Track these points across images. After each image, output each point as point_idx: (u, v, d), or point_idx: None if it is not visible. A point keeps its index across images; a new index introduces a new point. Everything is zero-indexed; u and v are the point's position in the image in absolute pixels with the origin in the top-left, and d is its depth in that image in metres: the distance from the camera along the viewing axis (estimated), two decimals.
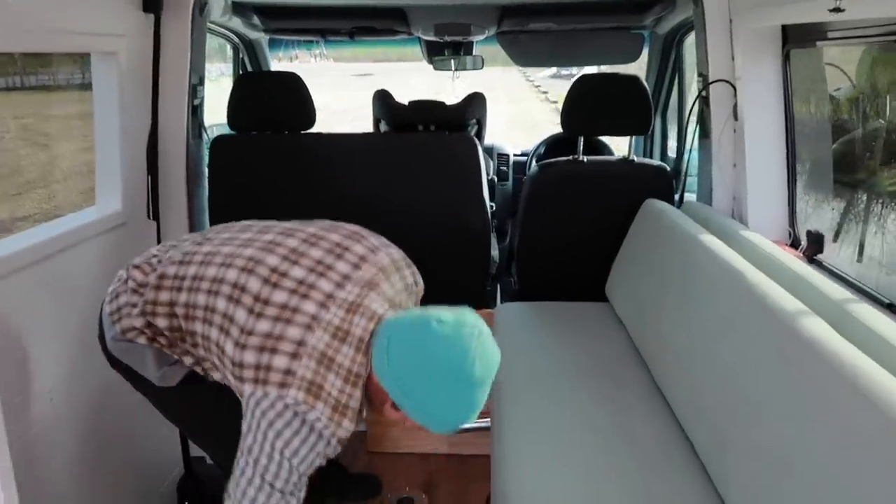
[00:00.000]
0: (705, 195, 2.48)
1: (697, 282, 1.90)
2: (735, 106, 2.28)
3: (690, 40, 3.09)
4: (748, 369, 1.48)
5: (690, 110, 2.45)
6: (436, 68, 3.65)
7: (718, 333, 1.67)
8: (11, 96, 11.73)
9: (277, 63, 5.27)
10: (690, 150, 2.49)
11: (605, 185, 2.53)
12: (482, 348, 1.35)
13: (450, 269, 2.60)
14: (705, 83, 2.36)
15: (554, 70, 20.80)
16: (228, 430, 1.46)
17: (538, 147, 3.59)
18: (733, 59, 2.29)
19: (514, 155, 3.76)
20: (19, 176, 10.12)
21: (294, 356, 1.36)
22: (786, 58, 2.14)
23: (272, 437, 1.35)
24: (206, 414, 1.70)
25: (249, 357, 1.38)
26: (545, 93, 19.26)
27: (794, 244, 2.18)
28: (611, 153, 3.46)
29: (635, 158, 2.53)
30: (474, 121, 2.80)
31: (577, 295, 2.57)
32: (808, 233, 2.04)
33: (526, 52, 3.28)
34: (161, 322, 1.55)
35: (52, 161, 10.43)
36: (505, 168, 3.64)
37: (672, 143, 3.48)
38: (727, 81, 2.28)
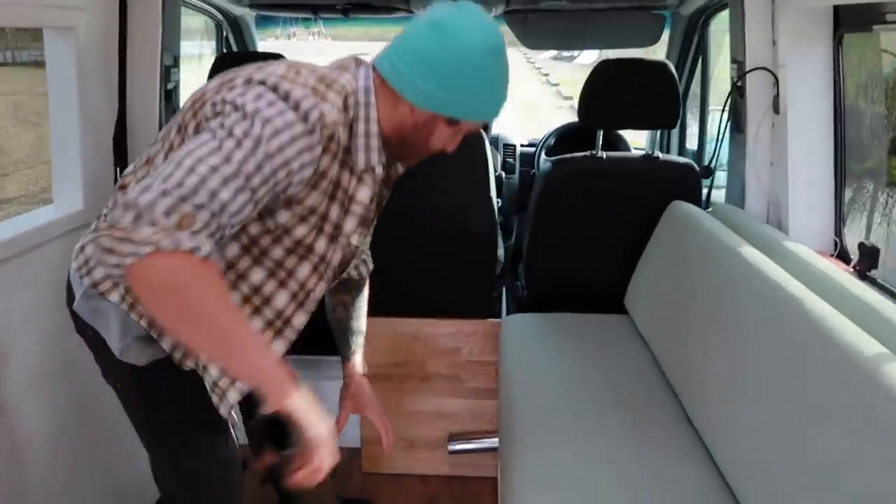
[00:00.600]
0: (736, 197, 2.23)
1: (737, 299, 1.66)
2: (776, 97, 2.02)
3: (718, 23, 2.83)
4: (813, 414, 1.23)
5: (726, 103, 2.19)
6: None
7: (767, 363, 1.43)
8: (2, 72, 11.40)
9: (274, 41, 4.97)
10: (719, 146, 2.23)
11: (626, 184, 2.28)
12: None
13: (453, 274, 2.36)
14: (741, 71, 2.10)
15: (555, 52, 20.41)
16: (188, 443, 1.33)
17: (547, 137, 3.33)
18: (774, 44, 2.03)
19: (522, 146, 3.50)
20: (7, 156, 9.82)
21: None
22: (838, 43, 1.88)
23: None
24: (166, 411, 1.37)
25: None
26: (546, 75, 18.91)
27: (842, 256, 1.94)
28: (627, 148, 3.21)
29: (659, 155, 2.28)
30: None
31: (592, 306, 2.32)
32: (861, 245, 1.79)
33: (534, 33, 3.00)
34: None
35: (41, 140, 10.13)
36: (511, 160, 3.38)
37: (692, 137, 3.22)
38: (767, 70, 2.02)
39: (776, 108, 2.02)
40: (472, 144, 2.18)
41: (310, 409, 1.12)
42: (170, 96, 2.24)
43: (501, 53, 1.21)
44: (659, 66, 2.17)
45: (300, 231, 1.23)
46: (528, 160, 3.42)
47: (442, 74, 1.17)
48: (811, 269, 1.61)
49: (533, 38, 3.05)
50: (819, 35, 1.88)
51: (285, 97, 1.11)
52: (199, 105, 1.19)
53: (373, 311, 1.67)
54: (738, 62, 2.14)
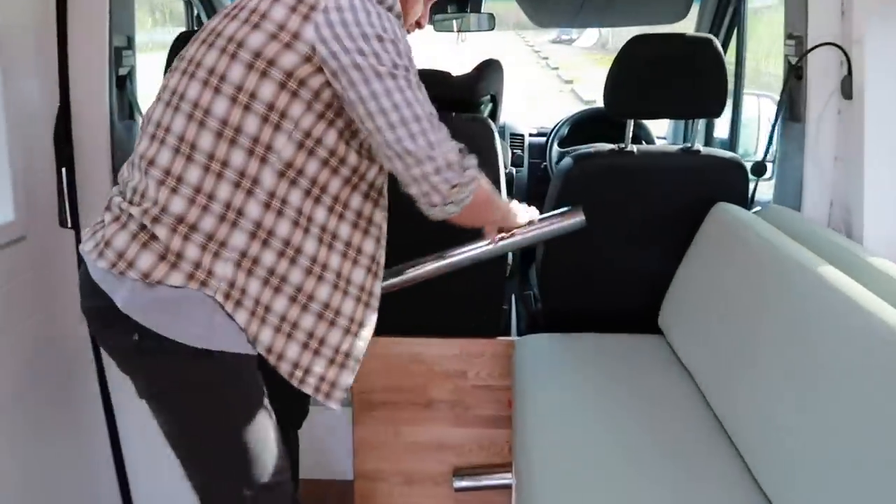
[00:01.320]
0: (788, 197, 1.90)
1: (808, 322, 1.35)
2: (846, 79, 1.68)
3: None
4: None
5: (786, 86, 1.85)
6: (436, 29, 3.03)
7: (850, 402, 1.12)
8: None
9: None
10: (773, 137, 1.90)
11: (662, 183, 1.94)
12: None
13: (456, 289, 2.02)
14: (800, 49, 1.77)
15: (554, 34, 20.00)
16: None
17: (559, 126, 2.97)
18: (844, 14, 1.69)
19: (530, 135, 3.14)
20: None
21: None
22: None
23: None
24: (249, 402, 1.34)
25: None
26: (546, 59, 18.51)
27: None
28: (650, 138, 2.85)
29: (700, 147, 1.94)
30: (488, 97, 2.19)
31: (620, 325, 2.00)
32: None
33: (547, 9, 2.66)
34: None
35: None
36: (519, 151, 3.03)
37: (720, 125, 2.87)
38: (836, 46, 1.68)
39: (846, 93, 1.69)
40: (480, 137, 1.85)
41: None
42: (123, 83, 1.90)
43: None
44: (703, 43, 1.82)
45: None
46: (538, 151, 3.07)
47: None
48: None
49: (545, 15, 2.71)
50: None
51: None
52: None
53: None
54: (795, 37, 1.80)
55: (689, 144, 1.94)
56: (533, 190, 3.00)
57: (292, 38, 1.20)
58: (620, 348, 1.95)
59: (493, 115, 2.23)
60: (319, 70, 1.21)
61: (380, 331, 1.90)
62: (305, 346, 1.32)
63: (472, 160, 1.27)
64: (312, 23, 1.19)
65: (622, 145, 1.94)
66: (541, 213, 2.42)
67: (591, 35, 19.05)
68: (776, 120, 1.93)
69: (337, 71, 1.19)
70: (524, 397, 1.81)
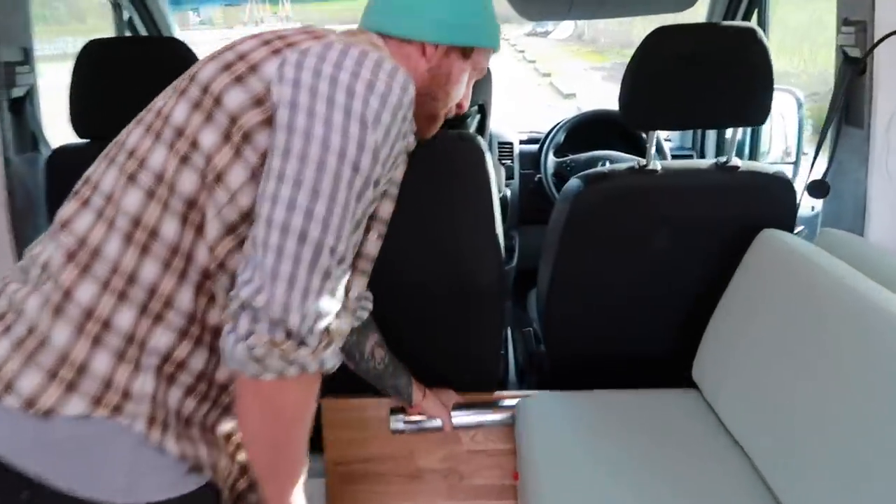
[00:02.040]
0: (846, 218, 1.57)
1: (891, 382, 1.04)
2: None
3: None
4: None
5: (841, 83, 1.51)
6: None
7: None
8: None
9: (242, 28, 4.21)
10: (834, 146, 1.56)
11: (693, 206, 1.59)
12: None
13: (446, 341, 1.67)
14: (864, 38, 1.42)
15: (530, 27, 19.68)
16: None
17: (554, 132, 2.60)
18: None
19: (521, 142, 2.77)
20: None
21: None
22: None
23: None
24: None
25: None
26: (522, 52, 18.18)
27: None
28: (661, 147, 2.48)
29: (738, 162, 1.59)
30: (475, 108, 1.83)
31: (644, 377, 1.65)
32: None
33: (538, 0, 2.30)
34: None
35: None
36: (509, 162, 2.66)
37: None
38: None
39: None
40: (470, 160, 1.48)
41: None
42: (20, 107, 1.52)
43: None
44: (745, 34, 1.47)
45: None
46: (530, 161, 2.70)
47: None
48: None
49: (535, 8, 2.34)
50: None
51: None
52: None
53: (342, 389, 1.41)
54: (855, 23, 1.46)
55: (724, 158, 1.58)
56: (526, 206, 2.63)
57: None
58: (647, 407, 1.60)
59: (482, 127, 1.86)
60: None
61: (355, 390, 1.56)
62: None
63: (332, 358, 0.91)
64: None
65: (642, 162, 1.58)
66: (528, 221, 2.09)
67: (566, 27, 18.75)
68: (827, 124, 1.59)
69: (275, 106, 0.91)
70: (533, 468, 1.47)
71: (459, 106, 1.21)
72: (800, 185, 1.63)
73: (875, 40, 1.39)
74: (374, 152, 0.90)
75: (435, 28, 1.11)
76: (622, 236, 1.60)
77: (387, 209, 1.21)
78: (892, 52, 1.39)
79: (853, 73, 1.49)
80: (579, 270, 1.68)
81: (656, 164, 1.57)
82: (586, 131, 2.60)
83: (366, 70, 0.90)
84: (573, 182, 1.61)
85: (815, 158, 1.63)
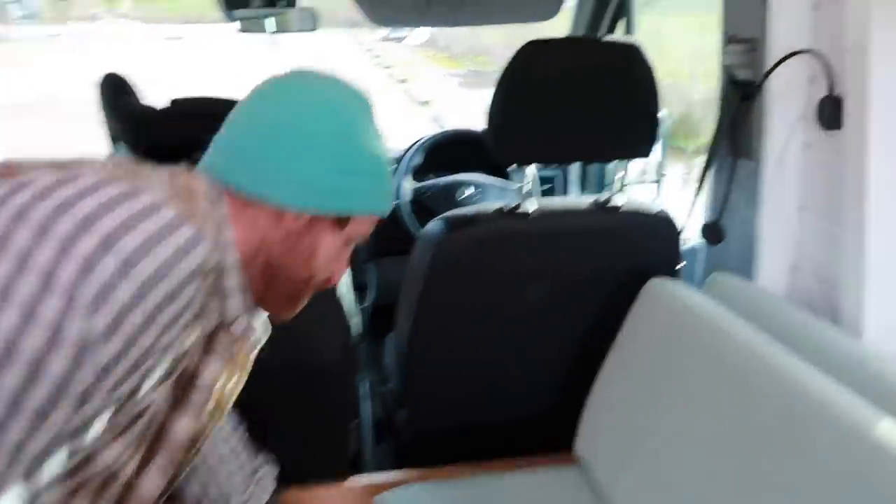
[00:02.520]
0: (734, 258, 1.40)
1: (800, 445, 0.93)
2: (826, 102, 1.18)
3: None
4: None
5: (725, 108, 1.33)
6: (242, 30, 2.29)
7: None
8: None
9: (74, 25, 3.65)
10: (729, 183, 1.39)
11: (572, 253, 1.36)
12: None
13: (289, 422, 1.34)
14: (755, 58, 1.25)
15: (385, 31, 19.45)
16: None
17: (411, 154, 2.30)
18: (818, 9, 1.19)
19: None
20: None
21: None
22: None
23: None
24: None
25: None
26: (378, 57, 17.91)
27: None
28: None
29: (618, 201, 1.37)
30: None
31: (524, 447, 1.41)
32: None
33: (389, 5, 2.02)
34: None
35: None
36: None
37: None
38: (815, 55, 1.17)
39: (827, 120, 1.18)
40: None
41: None
42: None
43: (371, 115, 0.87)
44: (628, 52, 1.25)
45: None
46: None
47: (314, 150, 0.80)
48: None
49: (386, 13, 2.06)
50: None
51: None
52: None
53: None
54: (743, 42, 1.28)
55: (604, 196, 1.36)
56: (381, 237, 2.32)
57: None
58: (524, 491, 1.35)
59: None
60: None
61: None
62: None
63: None
64: None
65: (513, 204, 1.33)
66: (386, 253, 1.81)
67: (422, 32, 18.66)
68: (712, 154, 1.41)
69: None
70: None
71: (329, 281, 0.89)
72: (663, 204, 1.45)
73: (770, 61, 1.22)
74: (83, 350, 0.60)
75: (298, 191, 0.80)
76: (492, 288, 1.35)
77: (180, 431, 0.79)
78: (788, 76, 1.22)
79: (737, 100, 1.32)
80: (444, 327, 1.41)
81: (530, 205, 1.32)
82: (447, 150, 2.34)
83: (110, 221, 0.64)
84: (434, 227, 1.33)
85: (696, 195, 1.45)
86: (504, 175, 2.29)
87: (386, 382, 1.69)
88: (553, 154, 1.32)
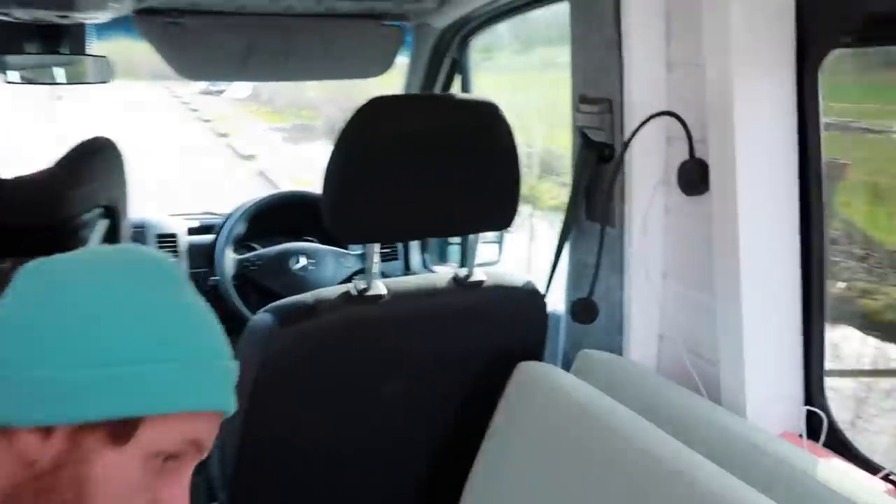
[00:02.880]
0: (601, 330, 1.29)
1: None
2: (686, 165, 1.11)
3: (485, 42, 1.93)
4: None
5: (581, 172, 1.23)
6: (22, 80, 1.94)
7: None
8: None
9: None
10: (562, 245, 1.28)
11: (431, 338, 1.17)
12: None
13: None
14: (612, 119, 1.17)
15: (204, 85, 18.71)
16: None
17: (233, 221, 2.02)
18: (670, 68, 1.12)
19: (190, 231, 2.15)
20: None
21: None
22: (813, 67, 1.02)
23: None
24: None
25: None
26: (196, 111, 17.13)
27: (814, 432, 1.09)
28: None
29: (483, 276, 1.21)
30: (97, 212, 1.20)
31: None
32: None
33: (198, 55, 1.78)
34: None
35: None
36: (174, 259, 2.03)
37: None
38: (675, 117, 1.10)
39: (690, 184, 1.11)
40: None
41: None
42: None
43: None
44: (485, 110, 1.10)
45: None
46: (203, 256, 2.10)
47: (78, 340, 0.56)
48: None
49: (197, 65, 1.81)
50: (783, 57, 1.00)
51: None
52: None
53: None
54: (597, 102, 1.20)
55: (464, 272, 1.20)
56: None
57: None
58: None
59: (114, 237, 1.24)
60: None
61: None
62: None
63: None
64: None
65: (361, 287, 1.13)
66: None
67: (243, 85, 18.14)
68: (567, 221, 1.31)
69: None
70: None
71: None
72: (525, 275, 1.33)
73: (628, 122, 1.14)
74: None
75: (49, 395, 0.55)
76: (340, 385, 1.14)
77: None
78: (646, 138, 1.14)
79: (595, 159, 1.23)
80: (280, 433, 1.17)
81: (379, 287, 1.13)
82: (275, 215, 2.10)
83: None
84: (262, 320, 1.10)
85: (555, 263, 1.35)
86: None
87: (215, 500, 1.41)
88: (403, 231, 1.14)
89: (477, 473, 1.18)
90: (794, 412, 1.10)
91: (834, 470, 0.92)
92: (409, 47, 2.02)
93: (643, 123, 1.09)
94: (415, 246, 2.26)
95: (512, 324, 1.21)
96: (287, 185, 6.52)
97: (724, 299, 1.07)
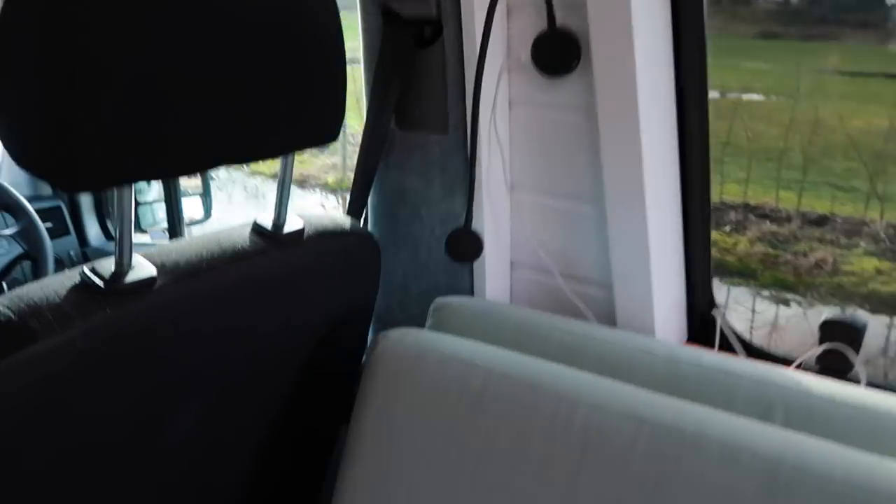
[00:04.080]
0: (431, 275, 1.02)
1: None
2: (548, 38, 0.87)
3: None
4: None
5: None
6: None
7: None
8: None
9: None
10: (373, 167, 0.97)
11: (242, 318, 0.75)
12: None
13: None
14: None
15: None
16: None
17: None
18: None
19: None
20: None
21: None
22: None
23: None
24: None
25: None
26: None
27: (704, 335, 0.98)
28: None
29: (298, 222, 0.79)
30: None
31: None
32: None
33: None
34: None
35: None
36: None
37: None
38: None
39: (552, 64, 0.88)
40: None
41: None
42: None
43: None
44: None
45: None
46: None
47: None
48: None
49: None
50: None
51: None
52: None
53: None
54: None
55: (269, 219, 0.78)
56: None
57: None
58: None
59: None
60: None
61: None
62: None
63: None
64: None
65: (110, 271, 0.63)
66: None
67: None
68: (375, 135, 0.98)
69: None
70: None
71: None
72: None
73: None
74: None
75: None
76: (110, 431, 0.68)
77: None
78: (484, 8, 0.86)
79: (415, 42, 0.92)
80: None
81: (143, 266, 0.65)
82: None
83: None
84: None
85: (365, 190, 1.01)
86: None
87: None
88: (179, 159, 0.61)
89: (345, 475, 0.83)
90: (690, 320, 0.98)
91: (783, 374, 0.79)
92: None
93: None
94: (89, 211, 1.67)
95: (345, 284, 0.86)
96: None
97: (621, 207, 0.86)
